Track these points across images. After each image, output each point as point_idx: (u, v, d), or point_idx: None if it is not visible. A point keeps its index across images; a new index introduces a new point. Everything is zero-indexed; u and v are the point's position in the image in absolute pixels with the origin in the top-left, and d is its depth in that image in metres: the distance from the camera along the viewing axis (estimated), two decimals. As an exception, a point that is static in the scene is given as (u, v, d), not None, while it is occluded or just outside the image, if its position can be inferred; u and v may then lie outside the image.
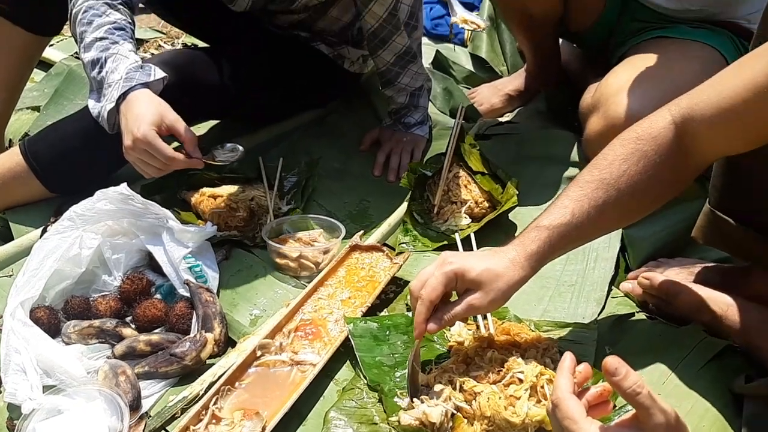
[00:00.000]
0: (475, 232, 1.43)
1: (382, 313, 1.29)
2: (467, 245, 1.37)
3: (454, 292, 1.06)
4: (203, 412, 1.04)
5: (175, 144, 1.34)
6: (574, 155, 1.68)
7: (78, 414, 1.06)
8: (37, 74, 2.20)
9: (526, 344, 1.15)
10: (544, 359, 1.13)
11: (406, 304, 1.31)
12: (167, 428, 1.08)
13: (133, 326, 1.27)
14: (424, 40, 2.18)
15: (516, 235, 1.10)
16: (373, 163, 1.79)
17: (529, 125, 1.88)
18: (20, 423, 1.04)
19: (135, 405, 1.09)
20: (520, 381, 1.04)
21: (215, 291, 1.32)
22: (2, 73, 1.73)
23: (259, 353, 1.14)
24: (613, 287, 1.35)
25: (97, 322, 1.26)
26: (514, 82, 2.01)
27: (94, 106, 1.38)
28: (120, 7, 1.45)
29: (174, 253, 1.33)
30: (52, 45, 2.37)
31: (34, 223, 1.54)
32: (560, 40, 1.92)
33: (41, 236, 1.42)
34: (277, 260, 1.39)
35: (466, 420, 1.02)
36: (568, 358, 0.89)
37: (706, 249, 1.33)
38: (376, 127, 1.88)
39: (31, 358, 1.13)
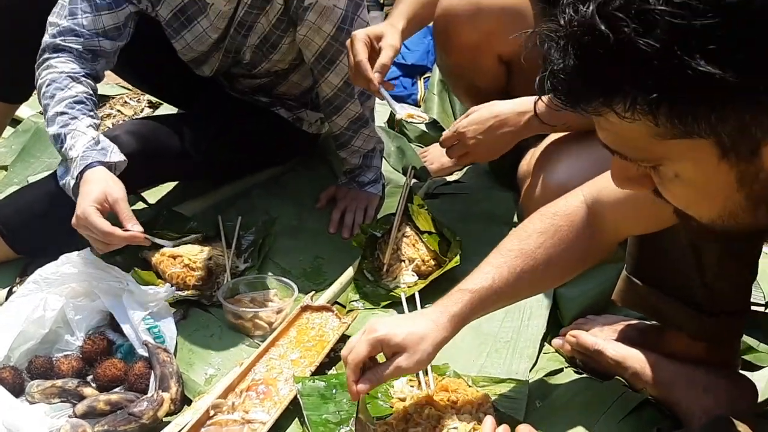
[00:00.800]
0: (421, 290, 1.54)
1: (331, 372, 1.38)
2: (413, 303, 1.48)
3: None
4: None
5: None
6: (516, 216, 1.80)
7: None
8: (5, 131, 2.27)
9: (462, 400, 1.25)
10: (478, 414, 1.23)
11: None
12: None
13: (94, 385, 1.35)
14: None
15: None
16: (329, 220, 1.89)
17: (476, 184, 2.00)
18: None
19: (94, 464, 1.17)
20: (455, 437, 1.14)
21: (173, 351, 1.40)
22: None
23: (212, 413, 1.23)
24: (545, 343, 1.45)
25: (59, 382, 1.33)
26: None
27: (61, 176, 1.47)
28: (82, 79, 1.55)
29: (134, 314, 1.40)
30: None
31: (1, 284, 1.61)
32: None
33: (7, 297, 1.50)
34: (232, 320, 1.48)
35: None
36: (488, 422, 0.98)
37: (628, 307, 1.45)
38: (332, 185, 1.98)
39: (-5, 418, 1.20)
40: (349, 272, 1.66)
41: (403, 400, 1.26)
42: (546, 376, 1.37)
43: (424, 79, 2.55)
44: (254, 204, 1.92)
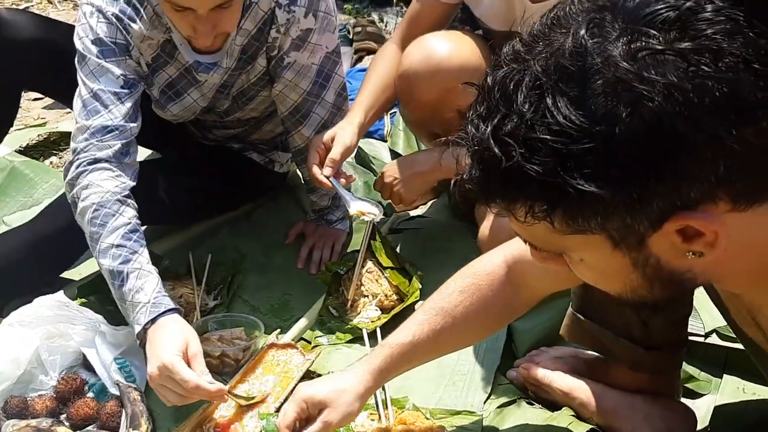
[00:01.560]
0: (383, 324, 1.63)
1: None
2: (375, 338, 1.57)
3: None
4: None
5: None
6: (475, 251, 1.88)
7: None
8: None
9: (420, 432, 1.32)
10: (434, 446, 1.30)
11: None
12: None
13: (68, 424, 1.41)
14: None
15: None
16: (297, 256, 1.96)
17: (438, 220, 2.08)
18: None
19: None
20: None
21: (143, 389, 1.46)
22: None
23: (180, 449, 1.29)
24: (500, 375, 1.53)
25: (34, 422, 1.38)
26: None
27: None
28: (129, 201, 1.52)
29: (105, 354, 1.47)
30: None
31: (-24, 325, 1.66)
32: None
33: (-18, 339, 1.55)
34: (202, 358, 1.54)
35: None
36: None
37: (578, 340, 1.54)
38: (300, 221, 2.05)
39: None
40: (315, 308, 1.73)
41: (364, 433, 1.33)
42: (500, 407, 1.45)
43: (390, 114, 2.63)
44: (224, 241, 1.99)
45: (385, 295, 1.73)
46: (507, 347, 1.58)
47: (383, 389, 1.43)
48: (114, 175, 1.54)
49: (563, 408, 1.39)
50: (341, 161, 1.65)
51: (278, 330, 1.63)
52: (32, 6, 3.94)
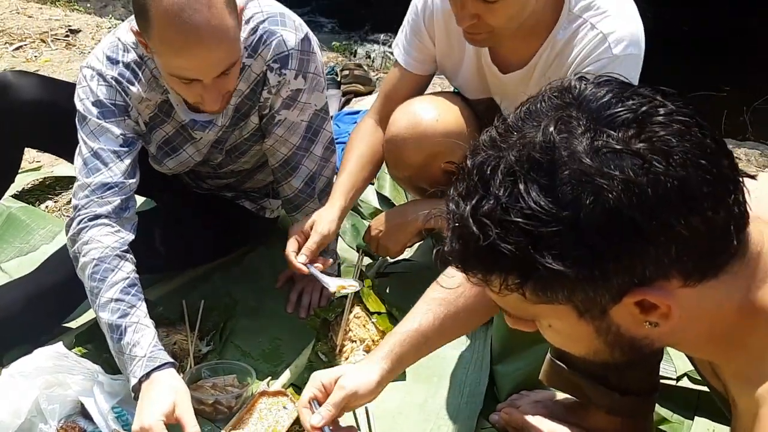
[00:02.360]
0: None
1: (286, 454, 1.51)
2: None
3: None
4: None
5: None
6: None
7: None
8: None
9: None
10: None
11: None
12: None
13: (67, 472, 1.46)
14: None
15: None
16: (287, 300, 2.02)
17: (424, 263, 2.15)
18: None
19: None
20: None
21: (139, 437, 1.51)
22: None
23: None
24: (483, 419, 1.60)
25: (34, 471, 1.44)
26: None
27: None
28: (128, 256, 1.59)
29: (103, 403, 1.52)
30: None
31: (-24, 374, 1.71)
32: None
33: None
34: (195, 405, 1.58)
35: None
36: None
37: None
38: (290, 265, 2.12)
39: None
40: (305, 354, 1.79)
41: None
42: (482, 450, 1.52)
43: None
44: (217, 286, 2.05)
45: (373, 340, 1.79)
46: (489, 391, 1.65)
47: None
48: (113, 230, 1.60)
49: (542, 451, 1.46)
50: (318, 250, 1.71)
51: (269, 377, 1.69)
52: (26, 45, 4.02)
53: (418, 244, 2.28)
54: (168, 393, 1.43)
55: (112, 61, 1.67)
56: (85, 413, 1.56)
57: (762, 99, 3.87)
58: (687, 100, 0.82)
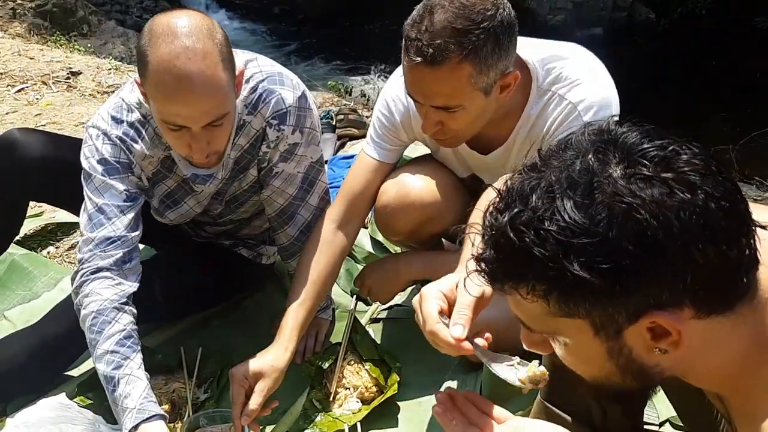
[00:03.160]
0: (364, 416, 1.74)
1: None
2: (355, 430, 1.68)
3: None
4: None
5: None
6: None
7: None
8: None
9: None
10: None
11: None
12: None
13: None
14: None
15: None
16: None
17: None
18: None
19: None
20: None
21: (140, 487, 1.56)
22: None
23: None
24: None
25: None
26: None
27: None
28: (127, 308, 1.64)
29: (105, 453, 1.58)
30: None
31: (-20, 424, 1.76)
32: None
33: (-13, 439, 1.66)
34: (193, 454, 1.65)
35: None
36: None
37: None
38: (286, 309, 2.17)
39: None
40: (300, 401, 1.84)
41: None
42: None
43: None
44: (214, 333, 2.11)
45: (366, 387, 1.85)
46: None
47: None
48: (114, 283, 1.66)
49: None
50: (257, 411, 1.65)
51: (266, 425, 1.74)
52: (28, 87, 4.10)
53: (410, 288, 2.34)
54: None
55: (117, 121, 1.75)
56: (87, 463, 1.61)
57: (747, 138, 3.97)
58: (706, 149, 0.91)
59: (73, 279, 1.70)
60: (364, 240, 2.56)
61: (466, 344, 1.22)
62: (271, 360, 1.70)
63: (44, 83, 4.16)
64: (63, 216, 2.64)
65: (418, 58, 1.48)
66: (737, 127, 5.80)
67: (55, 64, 4.40)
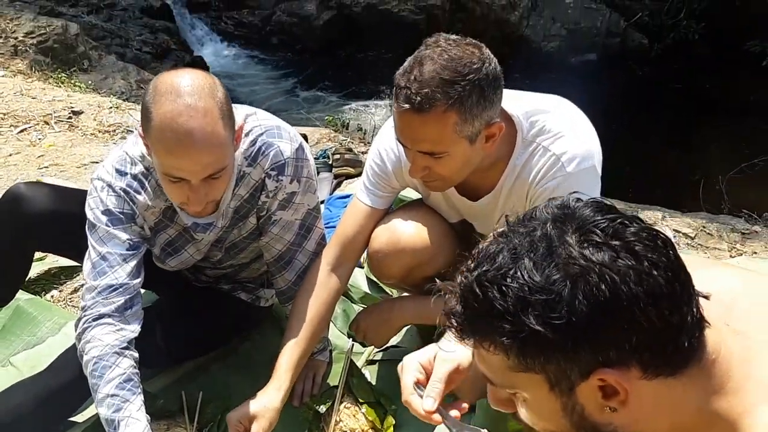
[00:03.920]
0: (360, 459, 1.79)
1: None
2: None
3: None
4: None
5: None
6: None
7: None
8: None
9: None
10: None
11: None
12: None
13: None
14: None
15: None
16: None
17: (410, 349, 2.25)
18: None
19: None
20: None
21: None
22: None
23: None
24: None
25: None
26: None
27: None
28: (127, 353, 1.69)
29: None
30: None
31: (-12, 471, 1.81)
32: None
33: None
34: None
35: None
36: None
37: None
38: (284, 352, 2.23)
39: None
40: (299, 444, 1.90)
41: None
42: None
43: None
44: (214, 377, 2.16)
45: (362, 430, 1.90)
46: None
47: None
48: (115, 329, 1.72)
49: None
50: None
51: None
52: (30, 128, 4.18)
53: (406, 329, 2.39)
54: None
55: (121, 173, 1.82)
56: None
57: (736, 169, 4.04)
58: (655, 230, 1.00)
59: (76, 326, 1.76)
60: (360, 280, 2.62)
61: (436, 416, 1.31)
62: (266, 401, 1.77)
63: (46, 123, 4.23)
64: (66, 260, 2.69)
65: (407, 105, 1.56)
66: (730, 154, 5.89)
67: (57, 103, 4.47)
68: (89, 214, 1.81)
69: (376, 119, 4.90)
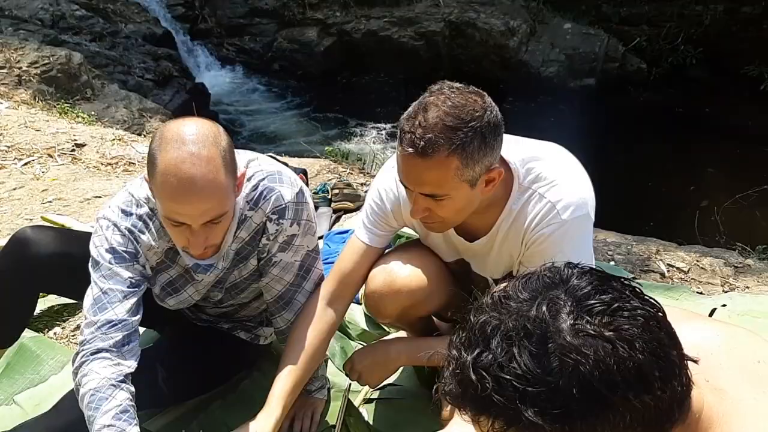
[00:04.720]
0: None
1: None
2: None
3: None
4: None
5: None
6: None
7: None
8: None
9: None
10: None
11: None
12: None
13: None
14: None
15: None
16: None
17: (408, 387, 2.30)
18: None
19: None
20: None
21: None
22: None
23: None
24: None
25: None
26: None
27: None
28: (123, 386, 1.73)
29: None
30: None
31: None
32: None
33: None
34: None
35: None
36: None
37: None
38: (282, 390, 2.26)
39: None
40: (297, 485, 1.92)
41: None
42: None
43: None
44: (213, 415, 2.19)
45: (359, 470, 1.93)
46: None
47: None
48: (112, 363, 1.76)
49: None
50: None
51: None
52: (34, 160, 4.23)
53: (401, 368, 2.43)
54: None
55: (126, 214, 1.88)
56: None
57: (731, 200, 4.08)
58: (651, 300, 1.04)
59: (73, 360, 1.80)
60: (358, 317, 2.66)
61: None
62: (256, 428, 1.82)
63: (50, 155, 4.29)
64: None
65: (411, 149, 1.62)
66: (728, 180, 5.93)
67: (60, 135, 4.53)
68: (93, 252, 1.86)
69: (375, 147, 4.93)
